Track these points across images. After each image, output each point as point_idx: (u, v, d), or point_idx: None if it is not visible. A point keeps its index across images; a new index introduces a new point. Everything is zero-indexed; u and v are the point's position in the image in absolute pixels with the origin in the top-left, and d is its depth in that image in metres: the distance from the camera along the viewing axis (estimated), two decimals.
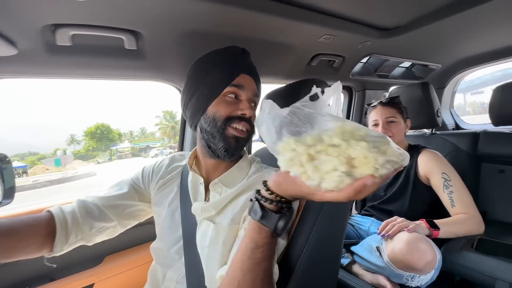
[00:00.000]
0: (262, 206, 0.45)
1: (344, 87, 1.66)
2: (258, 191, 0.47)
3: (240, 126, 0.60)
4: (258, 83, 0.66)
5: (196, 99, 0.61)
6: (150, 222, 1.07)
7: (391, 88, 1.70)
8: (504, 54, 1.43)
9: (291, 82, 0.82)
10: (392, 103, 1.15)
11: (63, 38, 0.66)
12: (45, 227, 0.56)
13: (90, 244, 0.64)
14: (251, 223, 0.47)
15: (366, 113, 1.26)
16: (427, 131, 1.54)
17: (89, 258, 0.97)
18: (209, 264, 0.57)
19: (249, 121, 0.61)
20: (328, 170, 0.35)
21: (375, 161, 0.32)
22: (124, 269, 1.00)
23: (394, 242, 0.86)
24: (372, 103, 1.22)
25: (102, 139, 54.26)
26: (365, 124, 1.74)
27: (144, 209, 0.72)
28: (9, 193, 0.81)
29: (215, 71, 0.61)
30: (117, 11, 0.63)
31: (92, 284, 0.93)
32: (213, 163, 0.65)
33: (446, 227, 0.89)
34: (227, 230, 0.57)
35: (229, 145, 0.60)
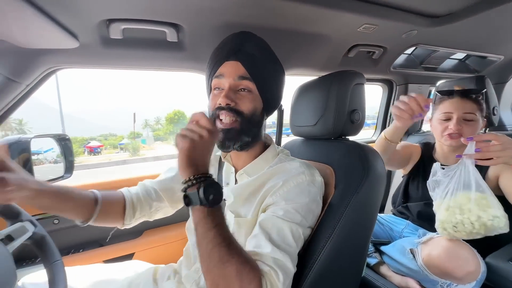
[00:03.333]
0: (185, 196, 0.47)
1: (383, 81, 1.56)
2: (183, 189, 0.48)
3: (222, 117, 0.57)
4: (249, 62, 0.57)
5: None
6: None
7: (439, 82, 1.55)
8: None
9: (325, 74, 0.81)
10: (474, 95, 0.95)
11: (116, 31, 0.73)
12: (122, 203, 0.67)
13: (151, 219, 0.73)
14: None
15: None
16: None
17: (130, 231, 1.08)
18: None
19: (231, 109, 0.56)
20: None
21: None
22: (160, 243, 1.11)
23: (431, 246, 0.81)
24: (443, 89, 1.05)
25: (178, 124, 60.94)
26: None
27: None
28: (69, 168, 0.94)
29: (208, 67, 0.63)
30: (161, 5, 0.68)
31: (133, 253, 1.05)
32: (233, 154, 0.67)
33: None
34: (248, 223, 0.58)
35: (219, 138, 0.58)
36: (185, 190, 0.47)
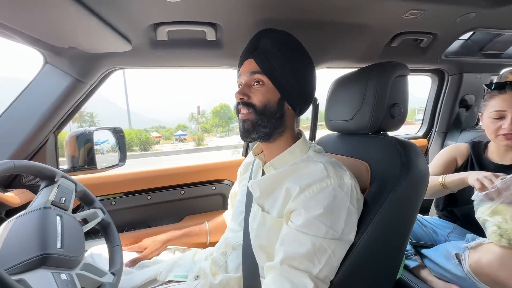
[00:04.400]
0: None
1: (432, 71, 1.42)
2: None
3: (240, 110, 0.62)
4: (260, 57, 0.60)
5: None
6: (221, 194, 1.23)
7: (503, 71, 1.35)
8: None
9: (364, 66, 0.77)
10: None
11: (162, 34, 0.80)
12: (224, 224, 0.94)
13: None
14: None
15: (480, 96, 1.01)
16: None
17: (173, 216, 1.20)
18: (255, 243, 0.62)
19: (244, 103, 0.60)
20: None
21: None
22: None
23: (481, 252, 0.74)
24: (494, 83, 0.94)
25: (224, 117, 64.72)
26: (471, 114, 1.44)
27: None
28: (123, 158, 1.07)
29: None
30: (201, 6, 0.72)
31: None
32: (264, 147, 0.69)
33: None
34: (273, 221, 0.59)
35: (239, 130, 0.64)
36: None
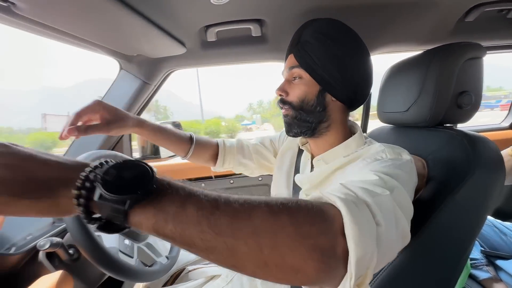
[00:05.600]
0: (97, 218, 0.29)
1: None
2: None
3: (281, 106, 0.63)
4: (299, 51, 0.58)
5: None
6: (267, 184, 1.27)
7: None
8: None
9: (430, 48, 0.68)
10: None
11: (211, 35, 0.86)
12: (214, 149, 0.81)
13: (237, 172, 0.86)
14: None
15: None
16: None
17: None
18: None
19: (281, 101, 0.62)
20: None
21: None
22: None
23: None
24: None
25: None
26: None
27: (272, 165, 0.84)
28: None
29: None
30: (247, 5, 0.74)
31: None
32: (311, 141, 0.68)
33: None
34: None
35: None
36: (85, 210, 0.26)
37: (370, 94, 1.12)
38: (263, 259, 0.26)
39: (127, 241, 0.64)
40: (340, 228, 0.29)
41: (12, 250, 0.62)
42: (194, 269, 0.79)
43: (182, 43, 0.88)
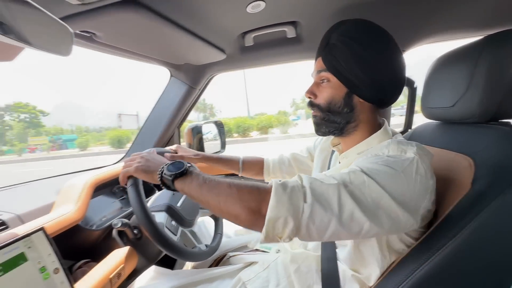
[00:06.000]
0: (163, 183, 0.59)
1: None
2: None
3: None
4: (326, 55, 0.60)
5: None
6: None
7: None
8: None
9: (492, 33, 0.61)
10: None
11: (249, 40, 0.92)
12: (260, 165, 0.96)
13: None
14: None
15: None
16: None
17: None
18: None
19: (310, 104, 0.65)
20: None
21: None
22: None
23: None
24: None
25: None
26: None
27: (311, 168, 0.90)
28: (223, 145, 1.30)
29: None
30: (281, 9, 0.78)
31: None
32: (340, 140, 0.69)
33: None
34: None
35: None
36: (161, 179, 0.58)
37: (416, 88, 1.05)
38: (220, 207, 0.49)
39: (173, 223, 0.77)
40: (267, 199, 0.45)
41: (94, 227, 0.79)
42: (235, 255, 0.87)
43: (222, 50, 0.96)
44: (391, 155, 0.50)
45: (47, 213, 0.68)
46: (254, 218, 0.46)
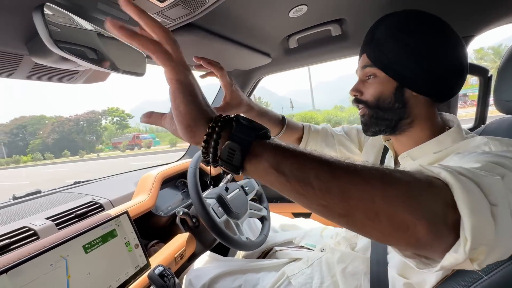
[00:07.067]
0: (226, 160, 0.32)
1: None
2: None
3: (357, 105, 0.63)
4: (371, 50, 0.57)
5: None
6: None
7: None
8: None
9: None
10: None
11: (293, 42, 0.95)
12: (300, 133, 0.83)
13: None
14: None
15: None
16: None
17: None
18: None
19: (356, 100, 0.62)
20: None
21: None
22: None
23: None
24: None
25: None
26: None
27: (356, 157, 0.84)
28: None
29: None
30: (324, 8, 0.78)
31: (310, 213, 1.33)
32: (393, 138, 0.64)
33: None
34: None
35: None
36: (215, 152, 0.32)
37: (490, 77, 0.91)
38: (374, 208, 0.26)
39: (220, 209, 0.88)
40: (450, 199, 0.26)
41: (162, 214, 0.94)
42: (281, 250, 0.92)
43: (267, 54, 1.01)
44: (501, 150, 0.42)
45: (129, 200, 0.84)
46: (438, 229, 0.26)
